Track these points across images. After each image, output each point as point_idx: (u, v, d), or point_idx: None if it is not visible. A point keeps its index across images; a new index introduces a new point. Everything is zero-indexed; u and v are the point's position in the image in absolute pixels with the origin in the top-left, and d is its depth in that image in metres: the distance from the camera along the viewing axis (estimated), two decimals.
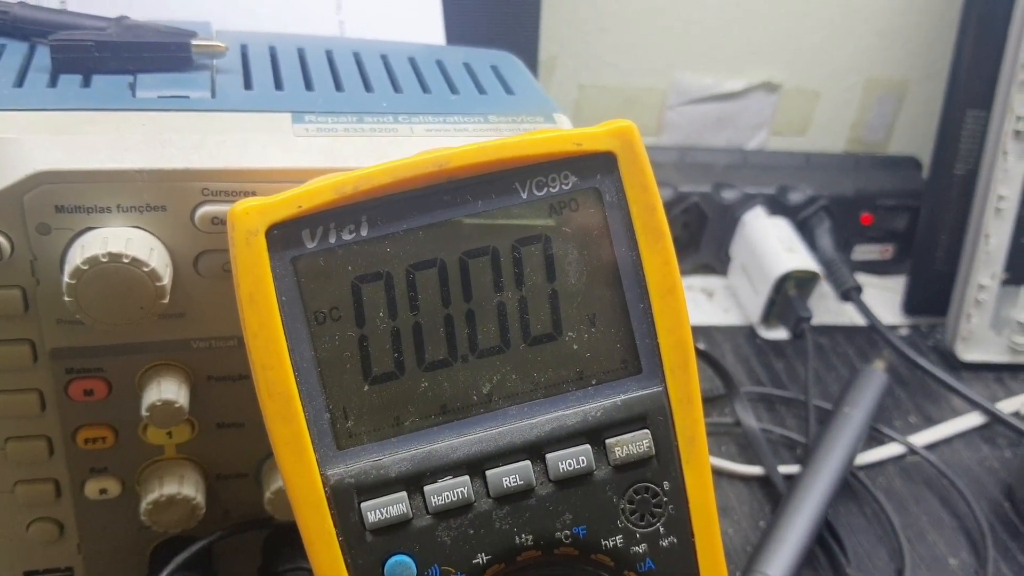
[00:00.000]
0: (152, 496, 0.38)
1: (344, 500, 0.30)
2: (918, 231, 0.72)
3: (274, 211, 0.30)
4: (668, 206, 0.71)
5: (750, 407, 0.60)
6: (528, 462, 0.31)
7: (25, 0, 0.41)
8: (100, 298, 0.33)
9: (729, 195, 0.73)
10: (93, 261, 0.32)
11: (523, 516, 0.31)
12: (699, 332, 0.69)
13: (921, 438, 0.61)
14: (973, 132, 0.67)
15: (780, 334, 0.69)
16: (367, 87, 0.40)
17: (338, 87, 0.40)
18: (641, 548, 0.32)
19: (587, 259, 0.32)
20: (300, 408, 0.30)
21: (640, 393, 0.32)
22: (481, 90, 0.41)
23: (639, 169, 0.32)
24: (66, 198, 0.33)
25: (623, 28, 0.74)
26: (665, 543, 0.32)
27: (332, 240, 0.30)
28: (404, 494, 0.31)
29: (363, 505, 0.30)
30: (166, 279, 0.33)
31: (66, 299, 0.32)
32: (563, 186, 0.31)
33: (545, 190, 0.31)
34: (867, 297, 0.68)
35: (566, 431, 0.32)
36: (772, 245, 0.69)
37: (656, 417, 0.32)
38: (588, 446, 0.32)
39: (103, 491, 0.38)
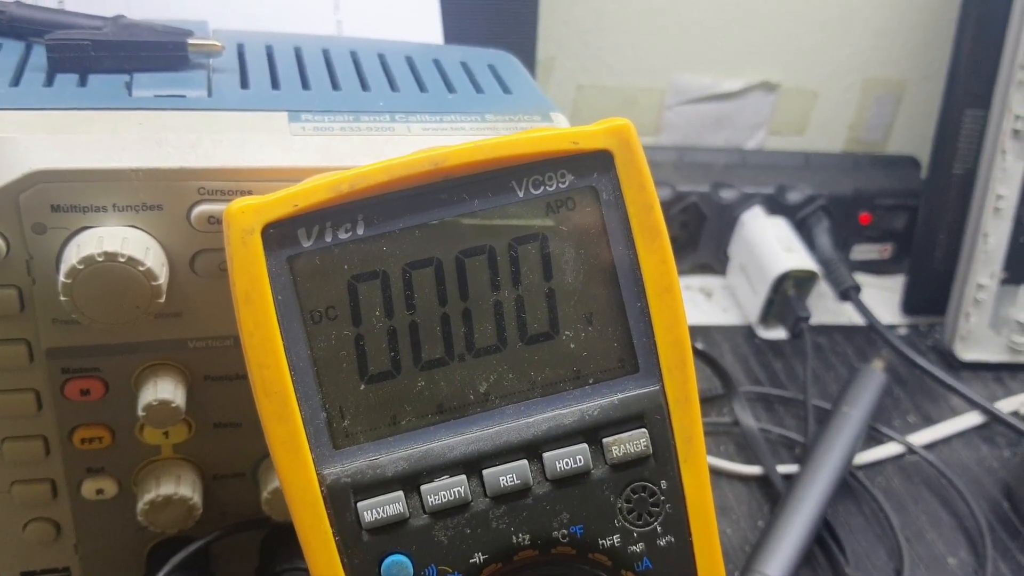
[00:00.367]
0: (149, 496, 0.38)
1: (340, 500, 0.30)
2: (917, 231, 0.72)
3: (270, 210, 0.30)
4: (667, 206, 0.71)
5: (749, 407, 0.60)
6: (525, 461, 0.31)
7: None
8: (96, 297, 0.33)
9: (728, 195, 0.73)
10: (89, 260, 0.32)
11: (520, 515, 0.31)
12: (698, 332, 0.69)
13: (920, 438, 0.61)
14: (971, 132, 0.67)
15: (779, 334, 0.69)
16: (364, 86, 0.40)
17: (335, 86, 0.40)
18: (638, 547, 0.32)
19: (584, 258, 0.32)
20: (296, 407, 0.30)
21: (637, 392, 0.32)
22: (478, 89, 0.41)
23: (636, 168, 0.31)
24: (62, 197, 0.33)
25: (621, 28, 0.74)
26: (662, 542, 0.32)
27: (328, 239, 0.30)
28: (401, 493, 0.31)
29: (359, 505, 0.30)
30: (162, 278, 0.33)
31: (62, 298, 0.32)
32: (560, 185, 0.31)
33: (542, 189, 0.31)
34: (866, 297, 0.68)
35: (563, 430, 0.32)
36: (771, 245, 0.69)
37: (653, 416, 0.32)
38: (585, 445, 0.32)
39: (100, 491, 0.38)
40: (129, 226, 0.33)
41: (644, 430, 0.32)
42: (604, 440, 0.32)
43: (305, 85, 0.39)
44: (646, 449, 0.32)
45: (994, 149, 0.64)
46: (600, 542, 0.32)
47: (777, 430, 0.60)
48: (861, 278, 0.71)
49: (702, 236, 0.74)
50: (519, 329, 0.32)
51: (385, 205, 0.30)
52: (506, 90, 0.41)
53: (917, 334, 0.72)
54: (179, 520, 0.38)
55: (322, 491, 0.30)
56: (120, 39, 0.38)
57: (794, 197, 0.73)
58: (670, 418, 0.32)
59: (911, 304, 0.73)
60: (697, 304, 0.73)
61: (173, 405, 0.35)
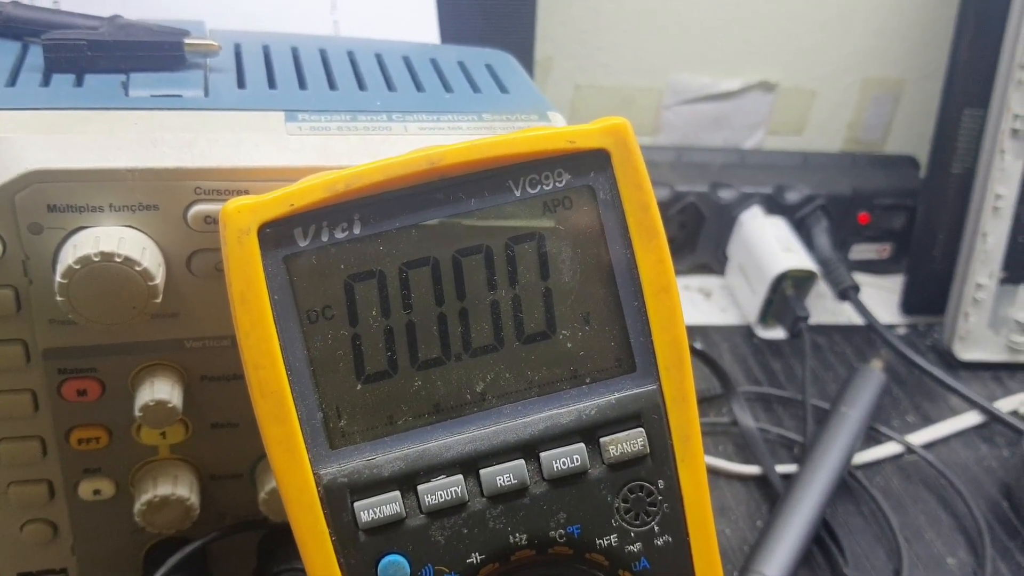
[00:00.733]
0: (146, 497, 0.37)
1: (337, 500, 0.30)
2: (915, 230, 0.72)
3: (266, 210, 0.30)
4: (665, 206, 0.71)
5: (747, 407, 0.60)
6: (522, 461, 0.31)
7: None
8: (93, 298, 0.33)
9: (726, 195, 0.72)
10: (85, 260, 0.32)
11: (517, 515, 0.31)
12: (696, 332, 0.69)
13: (919, 437, 0.61)
14: (970, 131, 0.67)
15: (777, 334, 0.69)
16: (361, 86, 0.40)
17: (332, 86, 0.40)
18: (636, 547, 0.32)
19: (581, 257, 0.32)
20: (293, 407, 0.30)
21: (634, 391, 0.32)
22: (475, 88, 0.41)
23: (633, 167, 0.31)
24: (58, 197, 0.33)
25: (619, 28, 0.74)
26: (660, 542, 0.32)
27: (325, 238, 0.30)
28: (397, 493, 0.30)
29: (356, 505, 0.30)
30: (159, 278, 0.33)
31: (58, 299, 0.32)
32: (557, 184, 0.31)
33: (539, 188, 0.31)
34: (865, 296, 0.68)
35: (560, 430, 0.31)
36: (769, 244, 0.69)
37: (651, 416, 0.32)
38: (582, 445, 0.32)
39: (97, 492, 0.38)
40: (125, 226, 0.33)
41: (641, 429, 0.32)
42: (601, 440, 0.32)
43: (302, 85, 0.39)
44: (643, 449, 0.32)
45: (993, 148, 0.64)
46: (597, 542, 0.32)
47: (776, 430, 0.60)
48: (860, 278, 0.71)
49: (701, 236, 0.74)
50: (516, 329, 0.32)
51: (381, 204, 0.30)
52: (503, 90, 0.41)
53: (916, 334, 0.72)
54: (176, 521, 0.38)
55: (318, 491, 0.30)
56: (116, 39, 0.38)
57: (793, 197, 0.73)
58: (667, 417, 0.32)
59: (910, 304, 0.73)
60: (696, 304, 0.73)
61: (170, 405, 0.35)
